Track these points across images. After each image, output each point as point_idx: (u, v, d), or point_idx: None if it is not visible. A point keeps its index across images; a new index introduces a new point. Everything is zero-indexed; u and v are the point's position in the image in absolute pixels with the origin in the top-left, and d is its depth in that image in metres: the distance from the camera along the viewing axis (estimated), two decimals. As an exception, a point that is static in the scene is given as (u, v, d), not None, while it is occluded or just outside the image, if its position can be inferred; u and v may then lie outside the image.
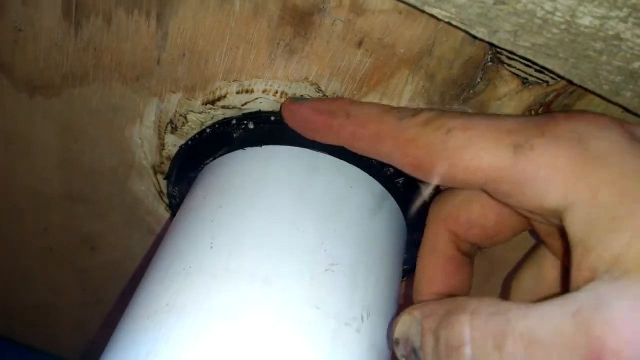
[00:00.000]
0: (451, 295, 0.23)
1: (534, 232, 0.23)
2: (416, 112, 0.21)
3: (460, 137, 0.18)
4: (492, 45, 0.20)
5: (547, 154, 0.17)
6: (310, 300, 0.21)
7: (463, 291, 0.24)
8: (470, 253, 0.24)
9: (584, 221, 0.16)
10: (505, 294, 0.25)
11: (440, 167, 0.19)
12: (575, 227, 0.16)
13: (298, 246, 0.23)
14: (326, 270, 0.22)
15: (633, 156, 0.16)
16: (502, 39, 0.18)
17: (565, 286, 0.19)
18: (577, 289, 0.15)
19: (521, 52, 0.18)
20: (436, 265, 0.23)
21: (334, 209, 0.24)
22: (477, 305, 0.17)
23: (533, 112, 0.23)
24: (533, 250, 0.24)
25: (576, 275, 0.16)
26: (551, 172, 0.17)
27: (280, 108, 0.25)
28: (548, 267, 0.22)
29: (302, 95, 0.25)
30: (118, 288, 0.40)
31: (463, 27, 0.19)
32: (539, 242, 0.23)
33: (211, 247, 0.23)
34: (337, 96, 0.25)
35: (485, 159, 0.18)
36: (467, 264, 0.23)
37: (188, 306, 0.21)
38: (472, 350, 0.16)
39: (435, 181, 0.20)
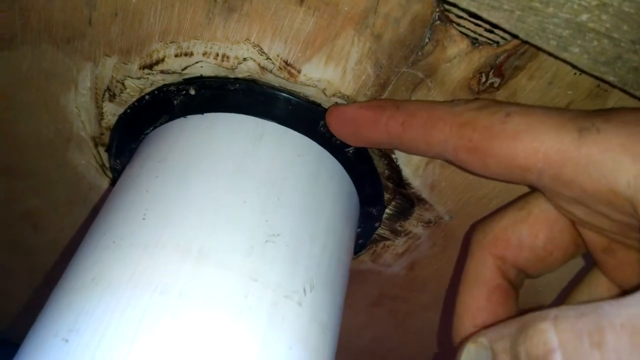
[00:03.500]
0: None
1: (586, 255, 0.22)
2: (469, 100, 0.20)
3: (520, 121, 0.18)
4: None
5: (615, 135, 0.16)
6: (247, 272, 0.20)
7: None
8: (517, 283, 0.22)
9: None
10: None
11: (499, 149, 0.18)
12: None
13: (237, 216, 0.21)
14: (266, 241, 0.21)
15: None
16: (443, -11, 0.17)
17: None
18: None
19: (464, 4, 0.17)
20: (480, 296, 0.21)
21: (278, 178, 0.23)
22: (556, 311, 0.15)
23: (483, 75, 0.22)
24: (583, 275, 0.23)
25: None
26: (621, 153, 0.16)
27: (325, 114, 0.24)
28: (602, 291, 0.21)
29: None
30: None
31: (404, -22, 0.18)
32: (591, 263, 0.22)
33: (143, 219, 0.21)
34: (282, 61, 0.23)
35: (547, 142, 0.17)
36: (512, 295, 0.22)
37: (114, 279, 0.19)
38: (564, 355, 0.15)
39: (491, 168, 0.19)
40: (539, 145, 0.17)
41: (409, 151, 0.23)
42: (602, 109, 0.18)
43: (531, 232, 0.21)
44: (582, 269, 0.27)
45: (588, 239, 0.20)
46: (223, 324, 0.19)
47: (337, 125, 0.24)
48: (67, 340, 0.18)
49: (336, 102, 0.24)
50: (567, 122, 0.17)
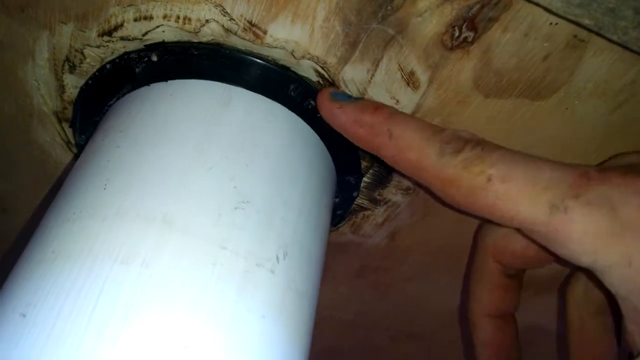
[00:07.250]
0: (501, 315, 0.25)
1: None
2: (458, 147, 0.20)
3: (500, 188, 0.19)
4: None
5: (579, 218, 0.18)
6: (216, 240, 0.19)
7: (512, 309, 0.26)
8: (517, 275, 0.25)
9: (624, 284, 0.17)
10: (561, 301, 0.26)
11: (479, 211, 0.20)
12: (616, 287, 0.18)
13: (203, 183, 0.20)
14: (235, 207, 0.20)
15: None
16: None
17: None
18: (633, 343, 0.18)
19: (430, -55, 0.16)
20: (484, 291, 0.25)
21: (246, 144, 0.22)
22: None
23: (456, 29, 0.21)
24: None
25: (630, 328, 0.18)
26: (582, 236, 0.18)
27: (315, 101, 0.23)
28: None
29: (336, 89, 0.24)
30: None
31: None
32: None
33: (104, 189, 0.20)
34: (246, 21, 0.22)
35: (522, 213, 0.19)
36: (513, 285, 0.25)
37: (74, 252, 0.18)
38: None
39: (472, 213, 0.21)
40: (515, 215, 0.19)
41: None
42: (579, 169, 0.19)
43: (523, 245, 0.23)
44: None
45: None
46: (190, 294, 0.18)
47: (327, 120, 0.24)
48: (24, 315, 0.17)
49: (328, 90, 0.23)
50: (541, 194, 0.18)
